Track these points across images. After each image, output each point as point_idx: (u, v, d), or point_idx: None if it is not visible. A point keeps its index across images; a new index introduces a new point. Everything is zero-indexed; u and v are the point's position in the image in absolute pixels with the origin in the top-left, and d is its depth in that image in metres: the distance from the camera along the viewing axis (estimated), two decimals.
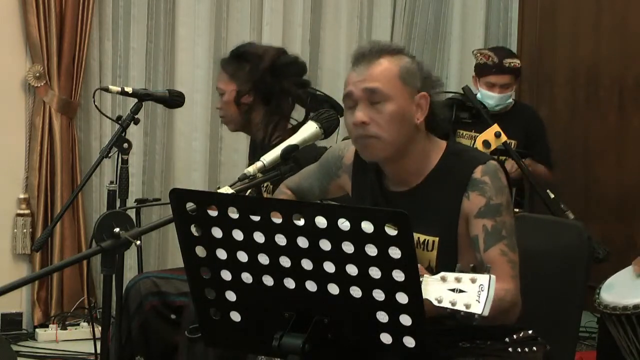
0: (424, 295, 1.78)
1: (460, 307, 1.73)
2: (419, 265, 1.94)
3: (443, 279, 1.78)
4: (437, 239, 2.17)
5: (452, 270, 1.77)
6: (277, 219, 1.74)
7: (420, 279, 1.81)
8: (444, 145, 2.24)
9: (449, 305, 1.75)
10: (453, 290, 1.75)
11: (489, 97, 4.32)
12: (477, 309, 1.71)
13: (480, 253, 2.12)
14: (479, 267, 1.78)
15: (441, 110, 2.24)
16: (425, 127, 2.23)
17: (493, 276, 1.73)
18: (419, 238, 2.19)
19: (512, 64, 4.37)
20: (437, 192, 2.19)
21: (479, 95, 4.25)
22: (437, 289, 1.77)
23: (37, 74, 4.29)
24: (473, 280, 1.74)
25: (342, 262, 1.72)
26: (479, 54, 4.44)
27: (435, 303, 1.77)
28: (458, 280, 1.75)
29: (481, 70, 4.40)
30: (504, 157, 3.80)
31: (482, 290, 1.72)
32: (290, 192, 2.56)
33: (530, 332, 2.25)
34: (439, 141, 2.26)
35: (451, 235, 2.17)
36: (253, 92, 3.16)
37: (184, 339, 2.89)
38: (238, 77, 3.17)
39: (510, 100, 4.47)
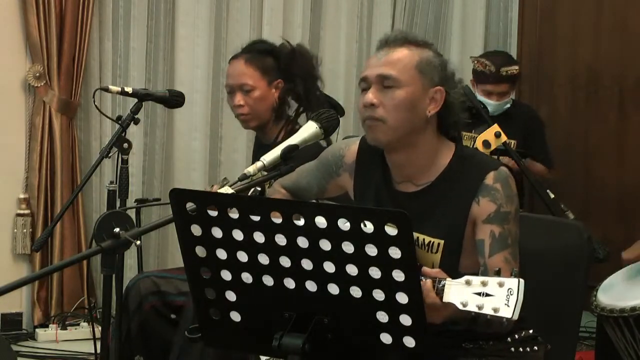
0: (447, 299, 1.77)
1: (487, 310, 1.71)
2: (438, 268, 1.94)
3: (467, 283, 1.76)
4: (442, 241, 2.17)
5: (455, 272, 1.76)
6: (277, 219, 1.74)
7: (443, 282, 1.80)
8: (453, 148, 2.24)
9: (475, 309, 1.73)
10: (479, 294, 1.73)
11: (487, 104, 4.29)
12: (507, 312, 1.70)
13: (484, 258, 2.12)
14: (482, 271, 1.76)
15: (456, 112, 2.24)
16: (437, 125, 2.23)
17: (522, 280, 1.72)
18: (424, 239, 2.18)
19: (510, 72, 4.33)
20: (446, 195, 2.18)
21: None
22: (462, 293, 1.76)
23: (37, 74, 4.28)
24: (501, 284, 1.72)
25: (342, 262, 1.72)
26: (476, 62, 4.40)
27: (460, 307, 1.75)
28: (484, 283, 1.73)
29: (478, 78, 4.37)
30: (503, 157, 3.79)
31: (512, 294, 1.70)
32: (285, 190, 2.53)
33: (531, 331, 2.24)
34: (449, 143, 2.25)
35: (457, 239, 2.16)
36: (288, 88, 3.12)
37: (179, 340, 2.89)
38: (270, 72, 3.10)
39: (508, 104, 4.45)
